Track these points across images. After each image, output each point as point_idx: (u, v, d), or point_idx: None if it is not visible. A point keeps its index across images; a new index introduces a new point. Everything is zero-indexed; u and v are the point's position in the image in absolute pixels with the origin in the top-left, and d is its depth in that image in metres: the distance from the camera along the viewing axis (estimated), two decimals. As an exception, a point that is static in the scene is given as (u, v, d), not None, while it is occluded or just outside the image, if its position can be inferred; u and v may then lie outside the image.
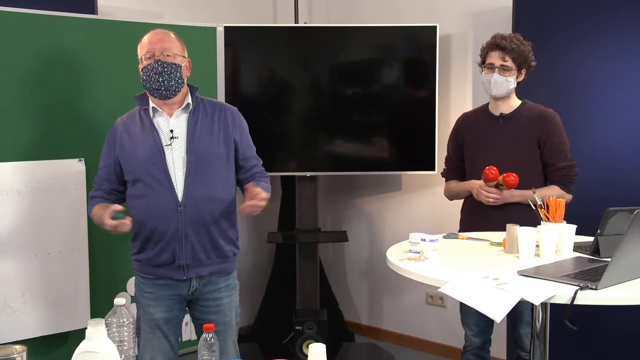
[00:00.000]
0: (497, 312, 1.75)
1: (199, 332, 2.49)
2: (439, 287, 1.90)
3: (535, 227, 2.24)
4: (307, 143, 3.78)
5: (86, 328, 1.41)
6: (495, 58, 2.77)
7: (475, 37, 3.71)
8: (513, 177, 2.65)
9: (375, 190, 4.24)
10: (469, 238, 2.56)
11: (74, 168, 2.84)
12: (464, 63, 3.81)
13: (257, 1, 4.29)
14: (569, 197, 2.73)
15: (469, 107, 3.57)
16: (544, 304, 2.08)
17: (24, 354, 1.44)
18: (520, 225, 2.23)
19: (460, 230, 2.86)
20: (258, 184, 2.41)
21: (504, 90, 2.78)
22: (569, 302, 1.74)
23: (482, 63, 2.84)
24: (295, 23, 4.11)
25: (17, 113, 2.70)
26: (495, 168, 2.68)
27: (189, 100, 2.40)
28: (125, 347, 1.64)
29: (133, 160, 2.36)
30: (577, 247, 2.30)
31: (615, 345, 3.17)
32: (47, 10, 2.77)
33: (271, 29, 3.83)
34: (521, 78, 2.82)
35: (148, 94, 2.39)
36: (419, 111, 3.69)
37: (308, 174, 3.73)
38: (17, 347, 1.46)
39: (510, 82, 2.77)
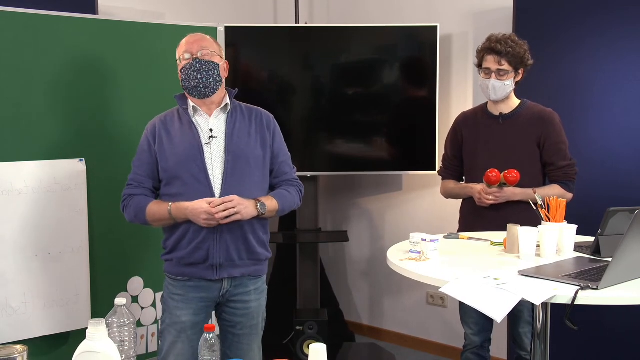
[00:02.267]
0: (498, 312, 1.75)
1: (223, 334, 2.48)
2: (439, 287, 1.90)
3: (535, 227, 2.24)
4: (307, 143, 3.78)
5: (87, 328, 1.42)
6: (491, 62, 2.77)
7: (475, 37, 3.70)
8: (515, 174, 2.67)
9: (375, 190, 4.24)
10: (469, 238, 2.56)
11: (75, 168, 2.83)
12: (464, 63, 3.81)
13: (258, 1, 4.29)
14: (570, 196, 2.75)
15: (469, 107, 3.56)
16: (544, 304, 2.08)
17: (25, 354, 1.44)
18: (520, 225, 2.23)
19: (460, 231, 2.86)
20: (276, 193, 2.44)
21: (501, 94, 2.79)
22: (570, 302, 1.74)
23: (479, 65, 2.85)
24: (296, 23, 4.11)
25: (18, 113, 2.70)
26: (496, 170, 2.69)
27: (228, 100, 2.42)
28: (126, 347, 1.65)
29: (171, 157, 2.36)
30: (578, 247, 2.30)
31: (615, 345, 3.17)
32: (47, 10, 2.77)
33: (272, 29, 3.83)
34: (519, 77, 2.82)
35: (187, 95, 2.40)
36: (420, 111, 3.70)
37: (309, 173, 3.73)
38: (18, 347, 1.46)
39: (508, 85, 2.78)
